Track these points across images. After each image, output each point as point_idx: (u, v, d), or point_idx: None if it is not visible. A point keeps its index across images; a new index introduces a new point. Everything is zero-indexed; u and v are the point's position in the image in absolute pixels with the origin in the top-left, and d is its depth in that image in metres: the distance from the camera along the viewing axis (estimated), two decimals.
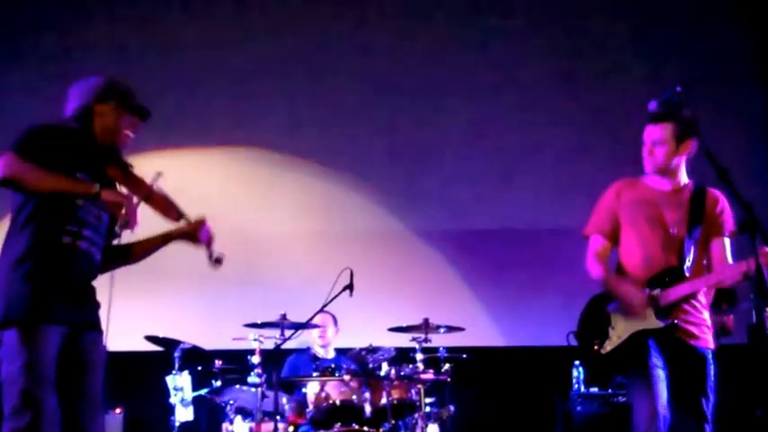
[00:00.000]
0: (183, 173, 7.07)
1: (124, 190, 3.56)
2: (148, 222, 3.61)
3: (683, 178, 3.98)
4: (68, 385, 3.39)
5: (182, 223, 3.68)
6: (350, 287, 5.55)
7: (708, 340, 3.83)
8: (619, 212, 4.02)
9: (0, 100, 7.43)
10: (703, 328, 3.84)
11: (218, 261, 3.69)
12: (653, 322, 3.73)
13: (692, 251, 3.83)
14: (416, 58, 8.18)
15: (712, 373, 3.75)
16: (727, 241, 3.91)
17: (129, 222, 3.42)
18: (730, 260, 3.85)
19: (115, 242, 3.70)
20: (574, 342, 4.07)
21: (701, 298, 3.88)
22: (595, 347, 3.84)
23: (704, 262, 3.92)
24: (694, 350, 3.76)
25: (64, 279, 3.42)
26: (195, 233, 3.69)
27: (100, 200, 3.42)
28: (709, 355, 3.79)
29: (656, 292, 3.76)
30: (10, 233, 3.47)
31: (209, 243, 3.70)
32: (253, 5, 8.15)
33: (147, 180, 3.57)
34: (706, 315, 3.88)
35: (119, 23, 7.83)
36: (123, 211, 3.40)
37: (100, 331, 3.59)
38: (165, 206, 3.62)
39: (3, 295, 3.37)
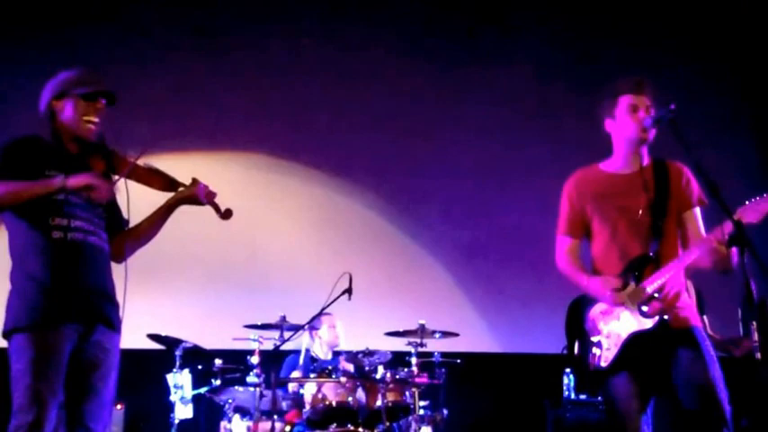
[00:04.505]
0: (186, 177, 7.14)
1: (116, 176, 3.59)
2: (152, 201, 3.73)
3: (645, 157, 3.88)
4: (77, 383, 3.41)
5: (180, 190, 3.70)
6: (349, 291, 5.65)
7: (696, 319, 3.74)
8: (586, 208, 3.91)
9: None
10: (690, 310, 3.74)
11: (227, 213, 3.71)
12: (641, 323, 3.65)
13: (665, 233, 3.74)
14: (421, 70, 8.28)
15: (709, 347, 3.64)
16: (698, 211, 3.82)
17: (100, 198, 3.45)
18: (703, 232, 3.76)
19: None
20: (566, 354, 3.96)
21: (682, 279, 3.78)
22: (593, 360, 3.74)
23: (679, 241, 3.81)
24: (687, 334, 3.65)
25: (65, 275, 3.41)
26: (194, 195, 3.69)
27: (68, 190, 3.40)
28: (701, 332, 3.68)
29: (631, 287, 3.69)
30: (9, 244, 3.49)
31: (210, 200, 3.71)
32: (262, 14, 8.21)
33: (130, 159, 3.59)
34: (686, 296, 3.79)
35: (129, 27, 7.89)
36: (96, 191, 3.42)
37: (116, 331, 3.58)
38: (155, 178, 3.64)
39: (11, 302, 3.41)
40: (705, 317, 5.98)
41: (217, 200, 3.77)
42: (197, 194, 3.70)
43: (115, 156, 3.60)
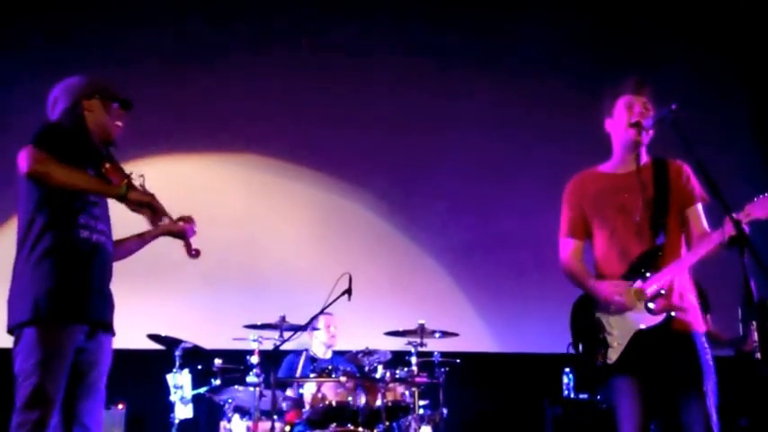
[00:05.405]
0: (186, 178, 7.16)
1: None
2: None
3: (644, 156, 3.90)
4: (75, 382, 3.44)
5: (164, 221, 3.70)
6: (348, 291, 5.66)
7: (700, 324, 3.74)
8: (585, 209, 3.93)
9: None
10: (694, 314, 3.75)
11: (196, 253, 3.78)
12: (648, 319, 3.66)
13: (667, 230, 3.75)
14: (418, 69, 8.28)
15: (708, 356, 3.65)
16: (700, 208, 3.83)
17: (159, 217, 3.55)
18: (707, 228, 3.77)
19: None
20: (572, 353, 3.95)
21: (687, 278, 3.79)
22: (600, 359, 3.74)
23: (682, 238, 3.81)
24: (688, 338, 3.66)
25: (86, 274, 3.46)
26: (183, 231, 3.75)
27: (126, 201, 3.48)
28: (702, 339, 3.68)
29: (637, 284, 3.69)
30: (25, 234, 3.48)
31: (189, 236, 3.78)
32: (259, 17, 8.21)
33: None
34: (692, 296, 3.79)
35: (127, 26, 7.88)
36: (153, 210, 3.51)
37: (113, 334, 3.64)
38: (153, 210, 3.63)
39: (27, 295, 3.39)
40: (709, 316, 6.00)
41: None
42: (186, 232, 3.77)
43: (120, 170, 3.63)
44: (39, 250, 3.44)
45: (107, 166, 3.60)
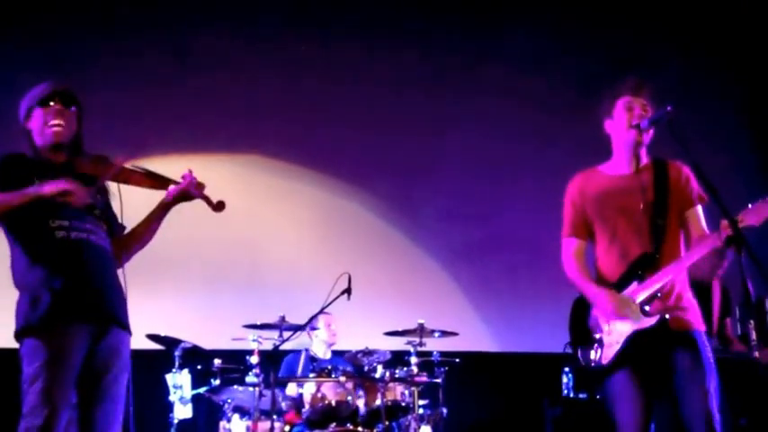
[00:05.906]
0: None
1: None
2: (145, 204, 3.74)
3: (644, 157, 3.91)
4: (89, 386, 3.42)
5: (171, 188, 3.69)
6: (348, 291, 5.69)
7: (699, 323, 3.74)
8: (587, 210, 3.93)
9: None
10: (693, 312, 3.75)
11: (219, 205, 3.69)
12: (643, 321, 3.65)
13: (666, 232, 3.74)
14: (418, 70, 8.30)
15: (709, 354, 3.65)
16: (699, 209, 3.83)
17: (77, 202, 3.43)
18: (706, 229, 3.77)
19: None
20: (570, 352, 3.96)
21: (684, 279, 3.79)
22: (595, 359, 3.75)
23: (682, 239, 3.81)
24: (688, 336, 3.66)
25: (73, 273, 3.42)
26: (186, 191, 3.69)
27: (45, 197, 3.37)
28: (702, 337, 3.68)
29: (633, 286, 3.70)
30: (10, 250, 3.51)
31: (201, 192, 3.69)
32: (255, 15, 8.20)
33: (118, 162, 3.57)
34: (690, 295, 3.80)
35: (127, 29, 7.88)
36: (72, 196, 3.40)
37: (127, 331, 3.61)
38: (144, 179, 3.64)
39: (23, 303, 3.41)
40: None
41: (216, 199, 3.76)
42: (187, 188, 3.69)
43: (103, 160, 3.59)
44: (23, 264, 3.46)
45: (83, 165, 3.57)
